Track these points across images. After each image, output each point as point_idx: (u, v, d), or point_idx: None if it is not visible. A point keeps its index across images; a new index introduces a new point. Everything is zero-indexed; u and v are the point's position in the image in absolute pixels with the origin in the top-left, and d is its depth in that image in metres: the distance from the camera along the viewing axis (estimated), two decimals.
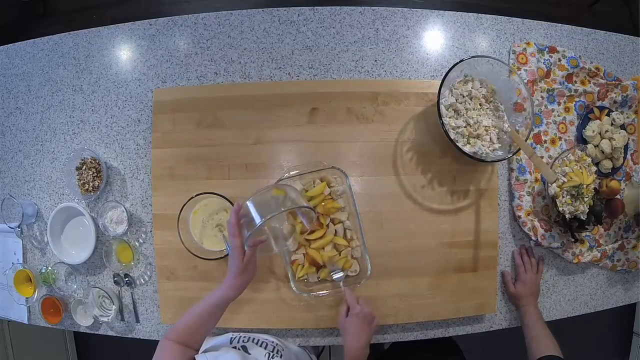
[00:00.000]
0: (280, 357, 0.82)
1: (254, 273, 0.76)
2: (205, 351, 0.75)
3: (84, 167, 1.00)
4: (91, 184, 0.98)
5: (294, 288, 0.87)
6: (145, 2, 2.12)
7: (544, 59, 1.02)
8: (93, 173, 0.99)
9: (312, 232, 0.89)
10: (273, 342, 0.88)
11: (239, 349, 0.82)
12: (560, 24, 1.07)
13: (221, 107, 0.96)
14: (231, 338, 0.88)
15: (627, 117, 1.06)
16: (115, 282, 1.00)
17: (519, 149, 0.88)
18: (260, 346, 0.86)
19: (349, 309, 0.86)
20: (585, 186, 0.93)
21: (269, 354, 0.83)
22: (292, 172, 0.89)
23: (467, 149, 0.89)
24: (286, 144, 0.96)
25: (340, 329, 0.86)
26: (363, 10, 1.00)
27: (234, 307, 0.93)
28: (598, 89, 1.04)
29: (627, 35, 1.11)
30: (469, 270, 0.96)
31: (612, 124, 1.03)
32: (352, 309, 0.85)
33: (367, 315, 0.84)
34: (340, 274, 0.90)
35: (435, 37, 1.01)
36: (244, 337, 0.88)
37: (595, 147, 1.02)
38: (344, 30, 0.99)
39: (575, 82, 1.05)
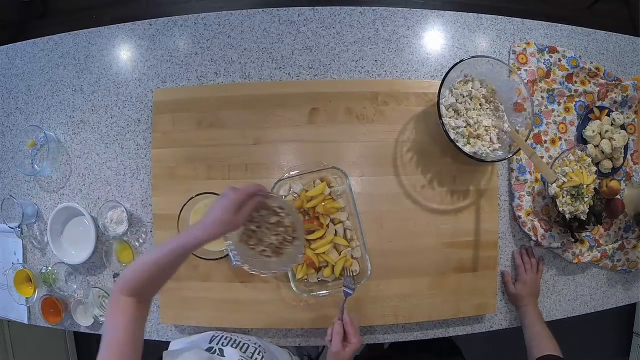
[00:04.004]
0: (262, 359, 0.78)
1: (239, 223, 0.66)
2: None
3: None
4: None
5: (294, 288, 0.87)
6: (145, 2, 2.12)
7: (544, 59, 1.02)
8: None
9: (312, 232, 0.89)
10: (255, 343, 0.83)
11: (214, 352, 0.73)
12: (560, 24, 1.07)
13: (221, 107, 0.96)
14: (213, 336, 0.82)
15: (627, 117, 1.06)
16: (115, 282, 1.00)
17: (519, 149, 0.88)
18: (240, 349, 0.78)
19: (345, 337, 0.74)
20: (585, 186, 0.93)
21: (245, 357, 0.74)
22: (292, 172, 0.89)
23: (467, 149, 0.89)
24: (286, 144, 0.96)
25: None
26: (363, 10, 1.00)
27: (234, 307, 0.94)
28: (598, 89, 1.04)
29: (627, 35, 1.11)
30: (469, 270, 0.96)
31: (612, 124, 1.03)
32: (352, 340, 0.74)
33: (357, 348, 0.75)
34: (350, 291, 0.81)
35: (435, 37, 1.01)
36: (226, 338, 0.81)
37: (595, 147, 1.02)
38: (344, 30, 0.99)
39: (575, 82, 1.05)
